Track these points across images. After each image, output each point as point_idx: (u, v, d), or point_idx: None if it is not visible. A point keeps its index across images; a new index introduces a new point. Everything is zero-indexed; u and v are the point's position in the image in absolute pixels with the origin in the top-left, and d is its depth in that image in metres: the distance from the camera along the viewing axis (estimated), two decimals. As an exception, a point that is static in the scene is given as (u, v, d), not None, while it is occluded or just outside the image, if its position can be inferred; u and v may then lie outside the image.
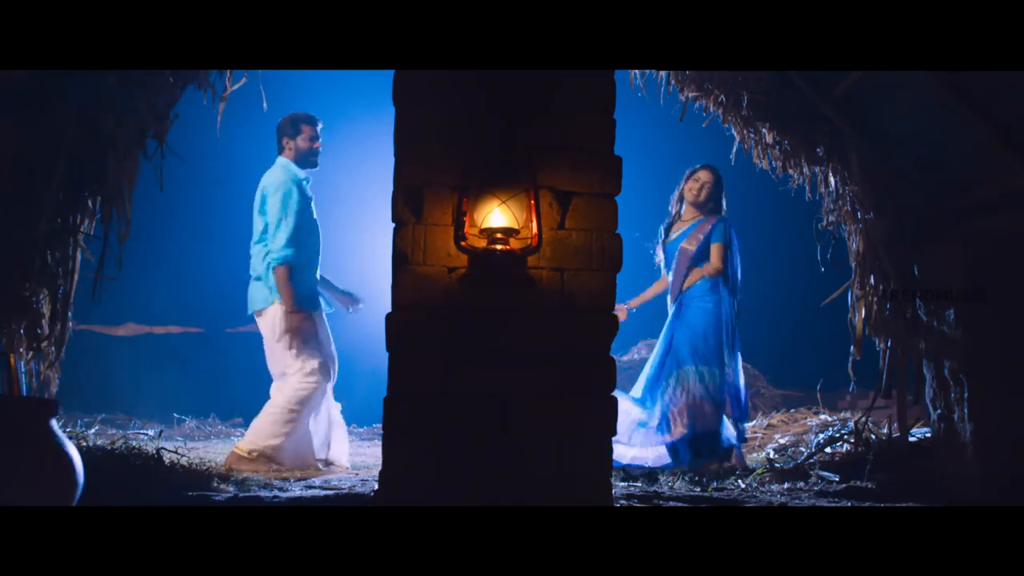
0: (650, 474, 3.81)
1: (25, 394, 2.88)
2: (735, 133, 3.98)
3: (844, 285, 3.92)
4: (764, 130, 3.90)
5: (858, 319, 3.82)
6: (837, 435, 4.17)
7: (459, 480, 2.22)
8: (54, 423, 2.21)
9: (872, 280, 3.74)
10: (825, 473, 3.57)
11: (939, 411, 3.51)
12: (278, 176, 4.10)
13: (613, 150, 2.42)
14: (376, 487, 2.33)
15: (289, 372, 4.02)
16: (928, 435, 3.67)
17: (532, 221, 2.29)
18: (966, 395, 3.34)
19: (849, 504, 3.07)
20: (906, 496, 3.19)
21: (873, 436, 3.86)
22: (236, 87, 3.60)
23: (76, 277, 3.28)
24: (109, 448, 3.18)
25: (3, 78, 2.92)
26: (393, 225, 2.32)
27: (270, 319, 4.04)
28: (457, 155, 2.32)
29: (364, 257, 7.21)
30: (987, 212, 3.43)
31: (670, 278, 4.46)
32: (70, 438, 2.40)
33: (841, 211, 3.87)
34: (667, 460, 4.13)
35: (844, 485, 3.36)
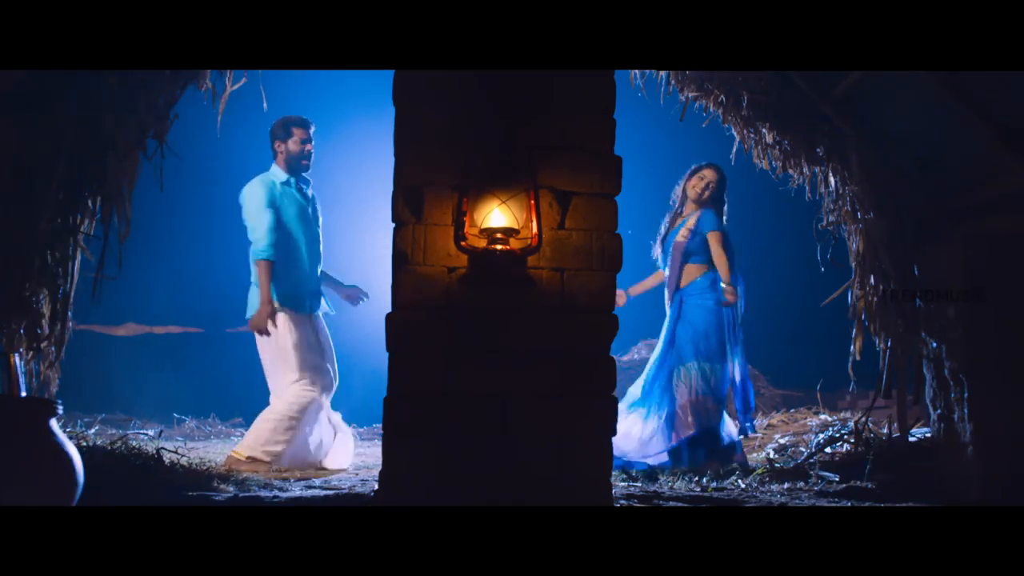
0: (650, 474, 3.81)
1: (25, 394, 2.88)
2: (735, 133, 3.98)
3: (844, 285, 3.92)
4: (764, 130, 3.90)
5: (858, 319, 3.82)
6: (837, 435, 4.17)
7: (459, 480, 2.22)
8: (54, 423, 2.21)
9: (872, 280, 3.74)
10: (825, 473, 3.58)
11: (939, 411, 3.51)
12: (252, 182, 4.17)
13: (613, 150, 2.42)
14: (376, 487, 2.33)
15: (289, 379, 4.02)
16: (928, 435, 3.67)
17: (532, 221, 2.29)
18: (966, 395, 3.34)
19: (849, 504, 3.07)
20: (906, 496, 3.19)
21: (873, 436, 3.86)
22: (236, 87, 3.60)
23: (76, 277, 3.28)
24: (109, 448, 3.17)
25: (3, 78, 2.92)
26: (393, 225, 2.32)
27: (270, 329, 4.04)
28: (457, 155, 2.32)
29: (364, 257, 7.21)
30: (987, 212, 3.43)
31: (666, 272, 4.46)
32: (70, 438, 2.40)
33: (841, 211, 3.87)
34: (667, 460, 4.13)
35: (844, 485, 3.36)
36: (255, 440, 3.93)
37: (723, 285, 4.21)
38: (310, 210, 4.26)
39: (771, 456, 4.54)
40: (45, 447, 2.15)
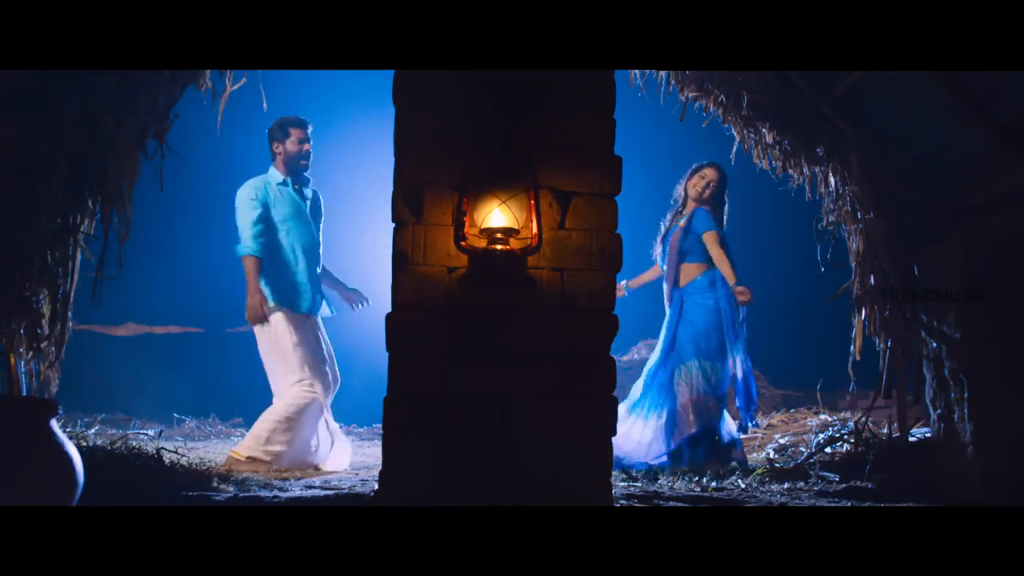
0: (650, 474, 3.81)
1: (25, 394, 2.88)
2: (735, 133, 3.98)
3: (844, 285, 3.92)
4: (764, 130, 3.90)
5: (858, 319, 3.81)
6: (837, 435, 4.17)
7: (459, 480, 2.22)
8: (54, 423, 2.21)
9: (872, 280, 3.74)
10: (825, 473, 3.57)
11: (939, 411, 3.51)
12: (244, 184, 4.18)
13: (613, 150, 2.42)
14: (376, 487, 2.33)
15: (289, 380, 4.02)
16: (928, 435, 3.67)
17: (532, 221, 2.29)
18: (966, 395, 3.34)
19: (849, 504, 3.07)
20: (906, 496, 3.19)
21: (873, 436, 3.86)
22: (236, 87, 3.60)
23: (76, 277, 3.28)
24: (109, 448, 3.17)
25: (3, 78, 2.92)
26: (393, 225, 2.32)
27: (267, 328, 4.05)
28: (457, 155, 2.32)
29: (364, 257, 7.22)
30: (987, 212, 3.43)
31: (664, 269, 4.47)
32: (70, 438, 2.40)
33: (841, 211, 3.87)
34: (667, 461, 4.13)
35: (844, 485, 3.36)
36: (255, 440, 3.93)
37: (733, 286, 4.19)
38: (309, 211, 4.25)
39: (771, 456, 4.54)
40: (45, 447, 2.15)
